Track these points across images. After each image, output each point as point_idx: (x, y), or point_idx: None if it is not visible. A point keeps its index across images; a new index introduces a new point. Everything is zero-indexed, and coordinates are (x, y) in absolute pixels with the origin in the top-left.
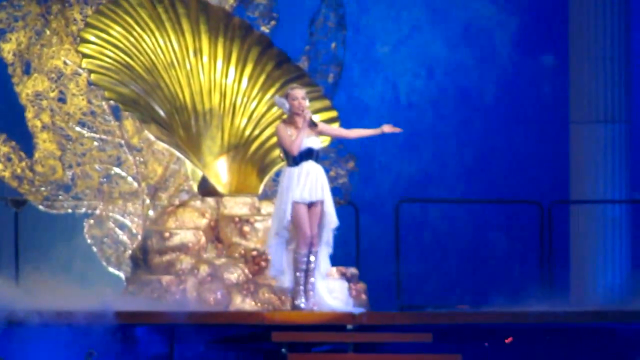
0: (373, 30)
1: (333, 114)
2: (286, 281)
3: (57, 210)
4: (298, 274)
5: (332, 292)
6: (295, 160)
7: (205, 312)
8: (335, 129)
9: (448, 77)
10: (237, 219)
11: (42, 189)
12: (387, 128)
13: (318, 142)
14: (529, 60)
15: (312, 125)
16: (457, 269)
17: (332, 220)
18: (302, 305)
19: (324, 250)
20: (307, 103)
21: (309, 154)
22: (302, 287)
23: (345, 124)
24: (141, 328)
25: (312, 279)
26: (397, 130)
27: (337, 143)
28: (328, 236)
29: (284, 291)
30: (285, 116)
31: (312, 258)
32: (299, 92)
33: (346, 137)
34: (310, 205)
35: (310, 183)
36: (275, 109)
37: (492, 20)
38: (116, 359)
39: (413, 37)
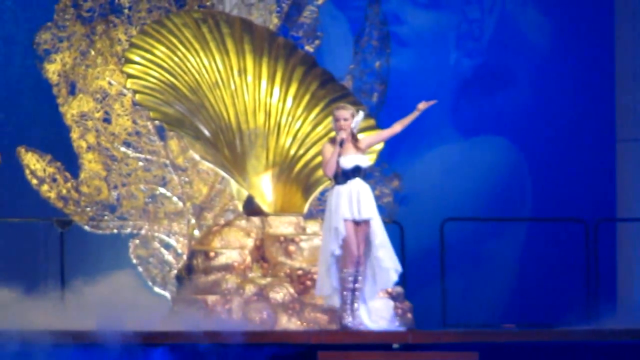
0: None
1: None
2: (336, 301)
3: (102, 231)
4: (345, 292)
5: (378, 312)
6: (343, 178)
7: (251, 332)
8: (378, 134)
9: (494, 94)
10: (282, 238)
11: (88, 209)
12: (422, 106)
13: (366, 160)
14: (575, 78)
15: (341, 146)
16: (502, 287)
17: (379, 238)
18: (350, 325)
19: (380, 270)
20: (355, 121)
21: (356, 172)
22: (349, 306)
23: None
24: (187, 347)
25: (356, 299)
26: (432, 103)
27: (381, 162)
28: (385, 256)
29: (334, 311)
30: (332, 134)
31: (359, 277)
32: (341, 113)
33: (392, 134)
34: (358, 223)
35: (359, 201)
36: (320, 128)
37: (540, 40)
38: None
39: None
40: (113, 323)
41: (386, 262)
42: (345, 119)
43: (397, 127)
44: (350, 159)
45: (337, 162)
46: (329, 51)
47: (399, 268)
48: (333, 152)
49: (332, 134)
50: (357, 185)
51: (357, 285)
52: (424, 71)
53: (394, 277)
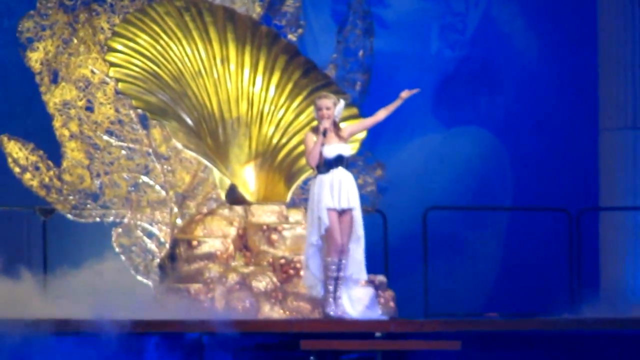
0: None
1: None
2: (319, 290)
3: (85, 219)
4: (328, 282)
5: (360, 301)
6: (325, 167)
7: (233, 321)
8: (360, 123)
9: (477, 85)
10: (265, 227)
11: (70, 197)
12: (405, 94)
13: (348, 149)
14: (558, 68)
15: (324, 136)
16: (485, 276)
17: (359, 228)
18: (332, 314)
19: (355, 260)
20: (337, 110)
21: (338, 161)
22: (332, 295)
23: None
24: (170, 336)
25: (340, 288)
26: (415, 91)
27: (365, 151)
28: (358, 246)
29: (316, 300)
30: (315, 123)
31: (342, 266)
32: (323, 102)
33: (375, 123)
34: (341, 212)
35: (341, 190)
36: (302, 116)
37: (519, 29)
38: None
39: (444, 48)
40: (105, 311)
41: (358, 254)
42: (328, 108)
43: (380, 115)
44: (332, 148)
45: (320, 152)
46: (312, 40)
47: (361, 259)
48: (316, 142)
49: (314, 122)
50: (340, 174)
51: (340, 274)
52: (406, 57)
53: (363, 267)
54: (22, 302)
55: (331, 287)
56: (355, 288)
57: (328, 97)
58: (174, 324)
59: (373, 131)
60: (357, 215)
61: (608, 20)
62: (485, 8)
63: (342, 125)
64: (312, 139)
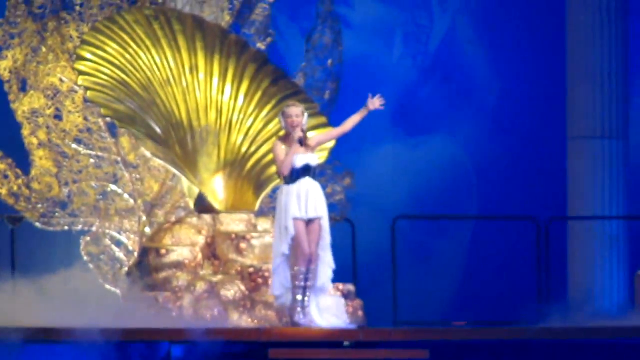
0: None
1: (329, 129)
2: (288, 299)
3: (53, 228)
4: (296, 290)
5: (329, 310)
6: (292, 177)
7: (202, 329)
8: (328, 133)
9: (445, 92)
10: (233, 236)
11: (39, 206)
12: (372, 106)
13: (315, 159)
14: (526, 77)
15: (302, 145)
16: (454, 285)
17: (326, 237)
18: (301, 322)
19: (323, 268)
20: (304, 120)
21: (306, 171)
22: (300, 304)
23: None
24: (137, 345)
25: (308, 296)
26: (380, 102)
27: (333, 159)
28: (326, 254)
29: (284, 310)
30: (282, 133)
31: (310, 275)
32: (293, 110)
33: (342, 133)
34: (309, 222)
35: (309, 200)
36: (271, 125)
37: (487, 37)
38: None
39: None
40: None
41: (328, 259)
42: (297, 116)
43: (347, 126)
44: (300, 158)
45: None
46: (281, 49)
47: (334, 265)
48: (289, 151)
49: (283, 132)
50: (307, 184)
51: (308, 283)
52: (369, 60)
53: (331, 275)
54: None
55: (299, 296)
56: (323, 297)
57: (297, 105)
58: (142, 332)
59: (341, 140)
60: (325, 224)
61: (576, 29)
62: (451, 19)
63: (309, 134)
64: (281, 147)
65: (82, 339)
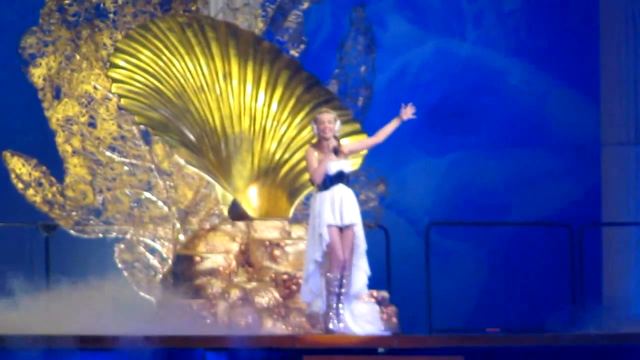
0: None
1: (363, 137)
2: (320, 306)
3: (88, 235)
4: (331, 297)
5: (363, 316)
6: (325, 184)
7: (236, 336)
8: (361, 142)
9: (481, 100)
10: (267, 243)
11: (73, 213)
12: (404, 115)
13: (348, 165)
14: (560, 83)
15: (336, 152)
16: (488, 291)
17: (361, 244)
18: (335, 329)
19: (358, 275)
20: (336, 127)
21: (339, 178)
22: (334, 310)
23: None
24: (171, 352)
25: (342, 303)
26: (412, 110)
27: (367, 166)
28: (360, 261)
29: (316, 316)
30: (315, 140)
31: (344, 282)
32: (325, 116)
33: (375, 143)
34: (343, 229)
35: (342, 207)
36: (305, 132)
37: (520, 44)
38: None
39: (439, 59)
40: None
41: (363, 266)
42: (330, 122)
43: (380, 136)
44: (333, 165)
45: None
46: (314, 55)
47: (369, 272)
48: (323, 159)
49: (315, 139)
50: (341, 190)
51: (342, 289)
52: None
53: (366, 281)
54: (25, 318)
55: (333, 303)
56: (357, 303)
57: (329, 111)
58: (176, 339)
59: (375, 146)
60: (359, 230)
61: (609, 36)
62: (483, 27)
63: (342, 141)
64: (314, 154)
65: (116, 346)
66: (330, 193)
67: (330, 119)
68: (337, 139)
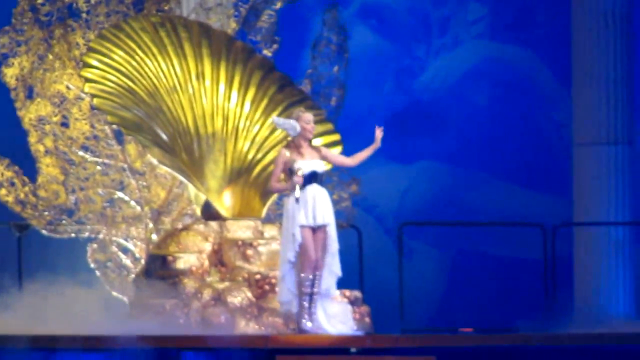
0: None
1: (336, 137)
2: (294, 306)
3: (60, 235)
4: (303, 297)
5: (336, 316)
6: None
7: (209, 336)
8: (338, 157)
9: (450, 100)
10: (240, 243)
11: (45, 213)
12: (379, 141)
13: (322, 165)
14: (532, 83)
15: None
16: (460, 291)
17: (333, 244)
18: (308, 329)
19: (329, 275)
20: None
21: (313, 177)
22: (306, 311)
23: (347, 146)
24: (144, 352)
25: (314, 302)
26: (381, 135)
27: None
28: (333, 261)
29: (290, 316)
30: (289, 138)
31: (317, 282)
32: (310, 116)
33: (350, 165)
34: (316, 229)
35: (315, 207)
36: (278, 132)
37: (494, 43)
38: None
39: (413, 66)
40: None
41: (334, 267)
42: (313, 121)
43: (356, 160)
44: (307, 164)
45: (292, 169)
46: (287, 55)
47: (340, 273)
48: (286, 185)
49: (289, 138)
50: (314, 190)
51: (314, 289)
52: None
53: (334, 280)
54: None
55: (306, 303)
56: (330, 303)
57: (309, 111)
58: (149, 339)
59: (347, 146)
60: (332, 230)
61: (581, 35)
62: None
63: (316, 142)
64: (286, 154)
65: (88, 346)
66: (304, 193)
67: (312, 119)
68: (310, 139)
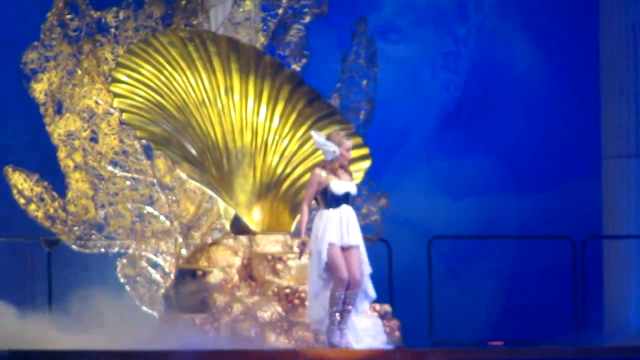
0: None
1: (365, 151)
2: (325, 324)
3: (90, 250)
4: (334, 312)
5: (366, 330)
6: (332, 203)
7: (239, 351)
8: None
9: (480, 113)
10: (269, 257)
11: (75, 228)
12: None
13: (354, 188)
14: (560, 96)
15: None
16: (490, 305)
17: (366, 267)
18: (338, 343)
19: (365, 297)
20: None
21: (345, 199)
22: (337, 325)
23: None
24: None
25: (345, 319)
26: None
27: (369, 180)
28: (367, 285)
29: (320, 332)
30: (322, 157)
31: (353, 300)
32: (350, 143)
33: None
34: (348, 248)
35: (349, 227)
36: (307, 146)
37: (525, 57)
38: None
39: (439, 76)
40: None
41: (369, 290)
42: (350, 148)
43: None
44: (341, 185)
45: (326, 188)
46: (316, 70)
47: (374, 295)
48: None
49: (319, 152)
50: (347, 211)
51: (348, 307)
52: (404, 83)
53: (369, 304)
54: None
55: (336, 318)
56: (360, 317)
57: (350, 138)
58: (179, 354)
59: (376, 160)
60: (364, 253)
61: (610, 47)
62: (481, 42)
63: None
64: (321, 175)
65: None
66: (337, 212)
67: (351, 146)
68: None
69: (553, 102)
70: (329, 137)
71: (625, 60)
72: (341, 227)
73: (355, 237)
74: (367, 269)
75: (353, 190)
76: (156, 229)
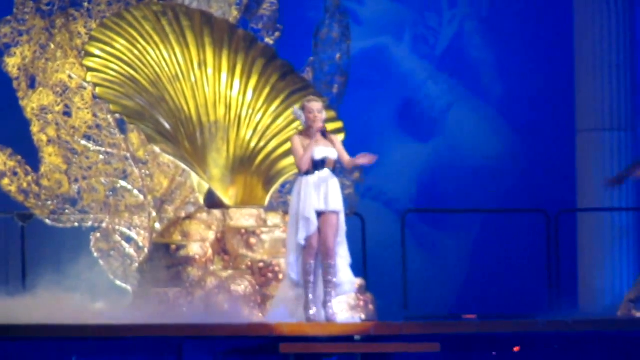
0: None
1: (339, 124)
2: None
3: (63, 224)
4: (308, 284)
5: (340, 303)
6: (311, 169)
7: (212, 325)
8: (343, 152)
9: (453, 86)
10: (243, 231)
11: (49, 202)
12: (365, 160)
13: (334, 153)
14: (534, 70)
15: (324, 136)
16: (463, 278)
17: (342, 233)
18: (312, 317)
19: (342, 264)
20: (323, 116)
21: (325, 163)
22: (311, 297)
23: (351, 134)
24: (148, 341)
25: (329, 291)
26: (370, 159)
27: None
28: (342, 249)
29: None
30: (301, 128)
31: (331, 270)
32: (315, 105)
33: (344, 164)
34: (325, 214)
35: (328, 192)
36: (280, 120)
37: (495, 31)
38: None
39: (416, 50)
40: None
41: (344, 254)
42: (319, 111)
43: (348, 164)
44: (319, 150)
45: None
46: (289, 43)
47: (350, 259)
48: (308, 146)
49: (293, 125)
50: (326, 176)
51: (328, 277)
52: (377, 56)
53: (351, 276)
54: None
55: (310, 289)
56: (334, 291)
57: (318, 100)
58: (152, 328)
59: (349, 134)
60: (342, 219)
61: (583, 22)
62: (459, 15)
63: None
64: (300, 143)
65: (91, 335)
66: (315, 177)
67: (320, 108)
68: (324, 124)
69: (527, 76)
70: (302, 107)
71: (599, 33)
72: (319, 192)
73: (334, 202)
74: (344, 235)
75: (332, 155)
76: (130, 203)
